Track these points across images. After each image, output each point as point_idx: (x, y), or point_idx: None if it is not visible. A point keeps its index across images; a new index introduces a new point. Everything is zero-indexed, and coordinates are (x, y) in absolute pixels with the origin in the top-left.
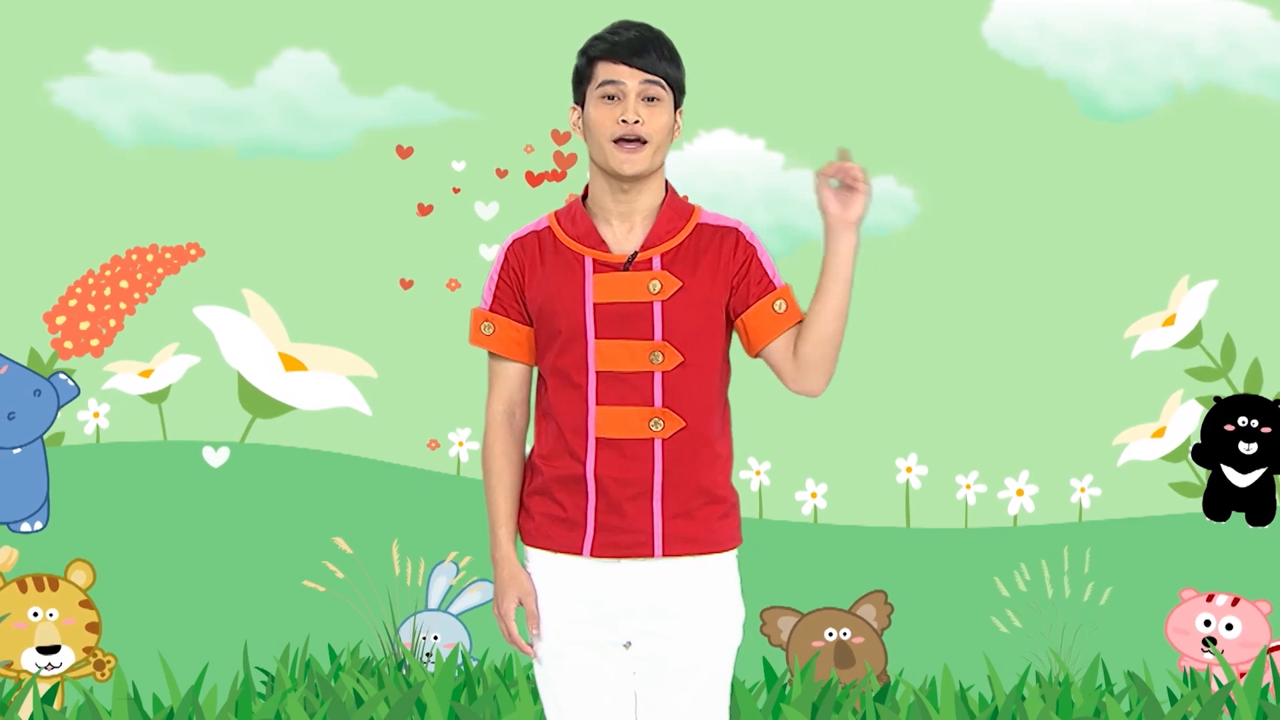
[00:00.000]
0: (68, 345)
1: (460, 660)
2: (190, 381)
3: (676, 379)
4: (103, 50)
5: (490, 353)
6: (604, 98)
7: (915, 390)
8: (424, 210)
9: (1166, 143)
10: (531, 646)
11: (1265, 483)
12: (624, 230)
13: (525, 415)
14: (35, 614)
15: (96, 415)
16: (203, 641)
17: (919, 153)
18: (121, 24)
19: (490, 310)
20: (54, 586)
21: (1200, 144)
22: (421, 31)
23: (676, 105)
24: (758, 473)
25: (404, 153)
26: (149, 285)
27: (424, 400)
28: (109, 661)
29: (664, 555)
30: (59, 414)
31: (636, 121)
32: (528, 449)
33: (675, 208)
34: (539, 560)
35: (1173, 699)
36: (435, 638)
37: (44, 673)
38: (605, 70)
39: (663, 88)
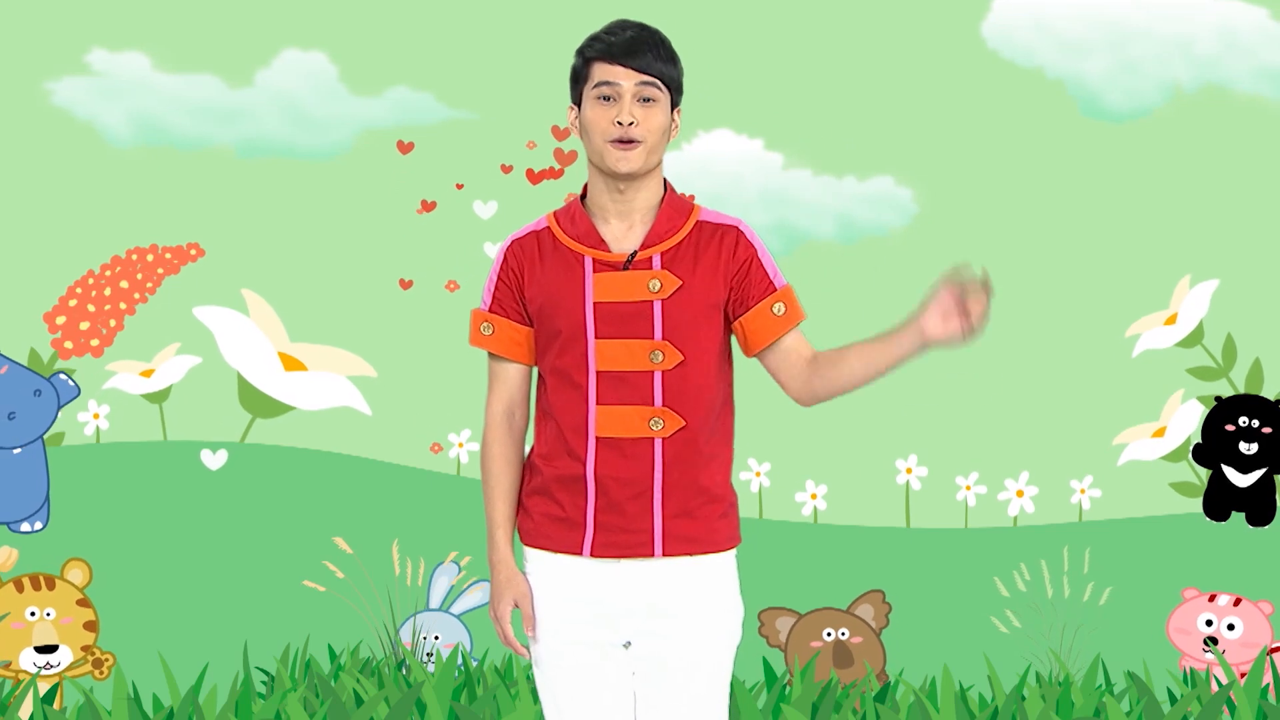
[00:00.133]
0: (68, 345)
1: (460, 660)
2: (191, 381)
3: (677, 378)
4: (102, 50)
5: (490, 353)
6: (600, 98)
7: (915, 391)
8: (427, 206)
9: (1166, 143)
10: (527, 649)
11: (1265, 483)
12: (623, 229)
13: (525, 416)
14: (32, 614)
15: (96, 416)
16: (203, 641)
17: (918, 153)
18: (120, 24)
19: (490, 311)
20: (51, 586)
21: (1199, 144)
22: (420, 32)
23: (674, 104)
24: (758, 474)
25: (405, 148)
26: (149, 285)
27: (424, 400)
28: (107, 660)
29: (664, 555)
30: (59, 414)
31: (632, 123)
32: (527, 449)
33: (675, 206)
34: (538, 560)
35: (1173, 699)
36: (436, 638)
37: (43, 672)
38: (601, 71)
39: (658, 88)
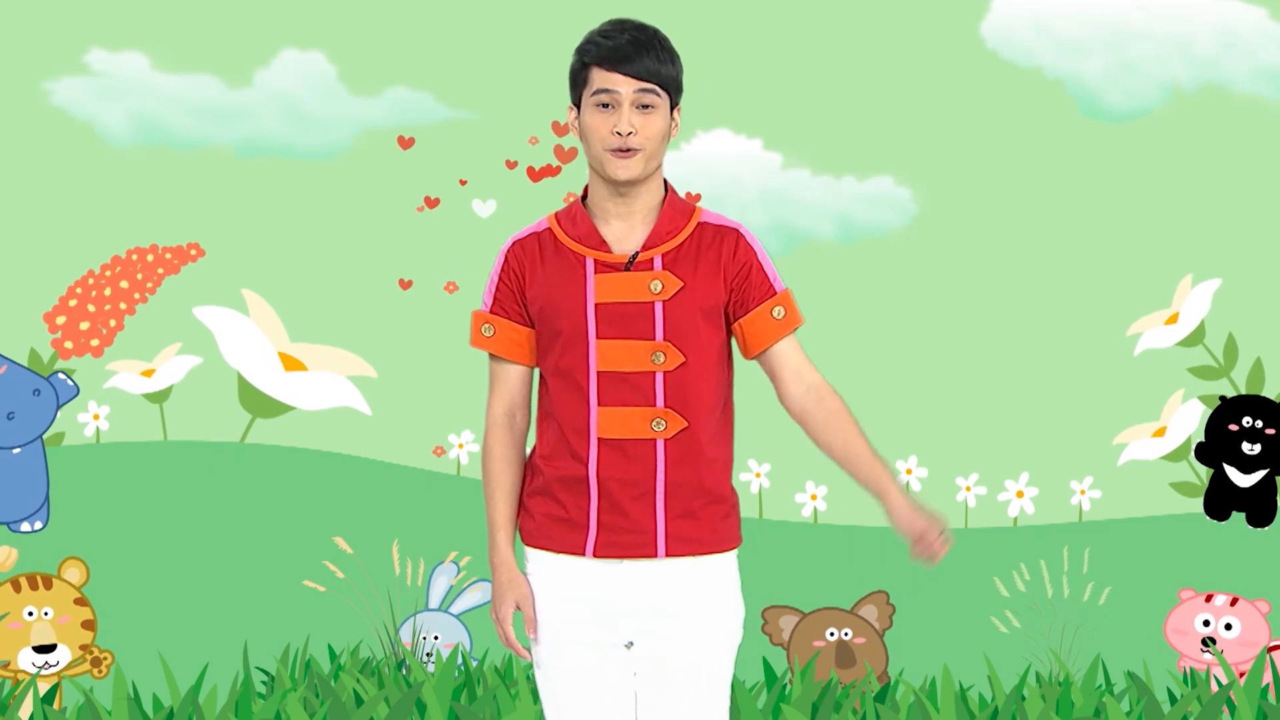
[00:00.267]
0: (68, 345)
1: (460, 660)
2: (191, 382)
3: (678, 379)
4: (101, 50)
5: (491, 355)
6: (599, 105)
7: (915, 392)
8: (431, 203)
9: (1165, 143)
10: (528, 651)
11: (1267, 484)
12: (624, 230)
13: (526, 417)
14: (30, 613)
15: (96, 417)
16: (203, 641)
17: (917, 153)
18: (119, 24)
19: (491, 312)
20: (48, 585)
21: (1199, 144)
22: (419, 31)
23: (674, 104)
24: (758, 474)
25: (405, 143)
26: (149, 285)
27: (424, 401)
28: (106, 658)
29: (667, 555)
30: (59, 414)
31: (630, 133)
32: (528, 450)
33: (676, 207)
34: (540, 561)
35: (1173, 699)
36: (436, 638)
37: (42, 672)
38: (599, 78)
39: (657, 94)
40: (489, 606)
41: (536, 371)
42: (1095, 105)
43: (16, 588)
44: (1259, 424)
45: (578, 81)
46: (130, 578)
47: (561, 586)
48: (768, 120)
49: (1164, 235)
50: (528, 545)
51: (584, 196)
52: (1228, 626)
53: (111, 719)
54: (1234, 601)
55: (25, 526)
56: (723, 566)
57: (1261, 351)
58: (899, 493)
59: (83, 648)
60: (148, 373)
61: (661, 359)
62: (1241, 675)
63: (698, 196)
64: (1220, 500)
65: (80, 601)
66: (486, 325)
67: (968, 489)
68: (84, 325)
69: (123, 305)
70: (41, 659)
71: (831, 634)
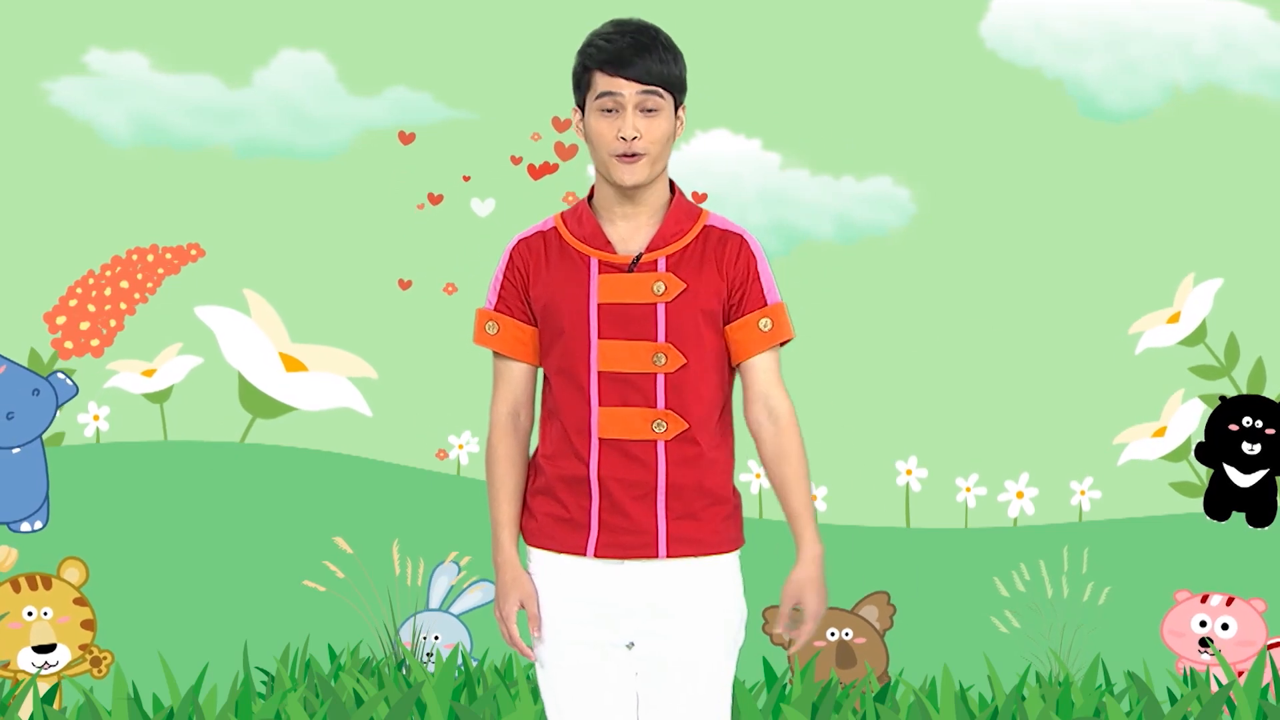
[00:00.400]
0: (68, 345)
1: (460, 660)
2: (191, 382)
3: (679, 381)
4: (100, 50)
5: (495, 353)
6: (602, 110)
7: (915, 392)
8: (434, 199)
9: (1164, 143)
10: (532, 649)
11: (1267, 484)
12: (630, 230)
13: (530, 416)
14: (30, 613)
15: (96, 418)
16: (203, 641)
17: (916, 153)
18: (119, 24)
19: (495, 310)
20: (47, 585)
21: (1199, 144)
22: (418, 31)
23: (679, 103)
24: (758, 475)
25: (406, 139)
26: (149, 285)
27: (425, 401)
28: (105, 658)
29: (668, 556)
30: (59, 414)
31: (635, 137)
32: (532, 449)
33: (682, 209)
34: (541, 560)
35: (1173, 699)
36: (436, 638)
37: (42, 672)
38: (602, 81)
39: (660, 95)
40: (491, 606)
41: (540, 371)
42: (1095, 105)
43: (16, 588)
44: (1259, 424)
45: (580, 85)
46: (130, 578)
47: (563, 586)
48: (767, 120)
49: (1163, 235)
50: (529, 545)
51: (590, 196)
52: (1224, 626)
53: (111, 719)
54: (1230, 601)
55: (25, 526)
56: (724, 568)
57: (1263, 351)
58: (808, 558)
59: (82, 647)
60: (148, 372)
61: (663, 360)
62: (1240, 675)
63: (704, 196)
64: (1220, 500)
65: (80, 601)
66: (490, 323)
67: (968, 489)
68: (84, 325)
69: (123, 305)
70: (41, 659)
71: (832, 634)
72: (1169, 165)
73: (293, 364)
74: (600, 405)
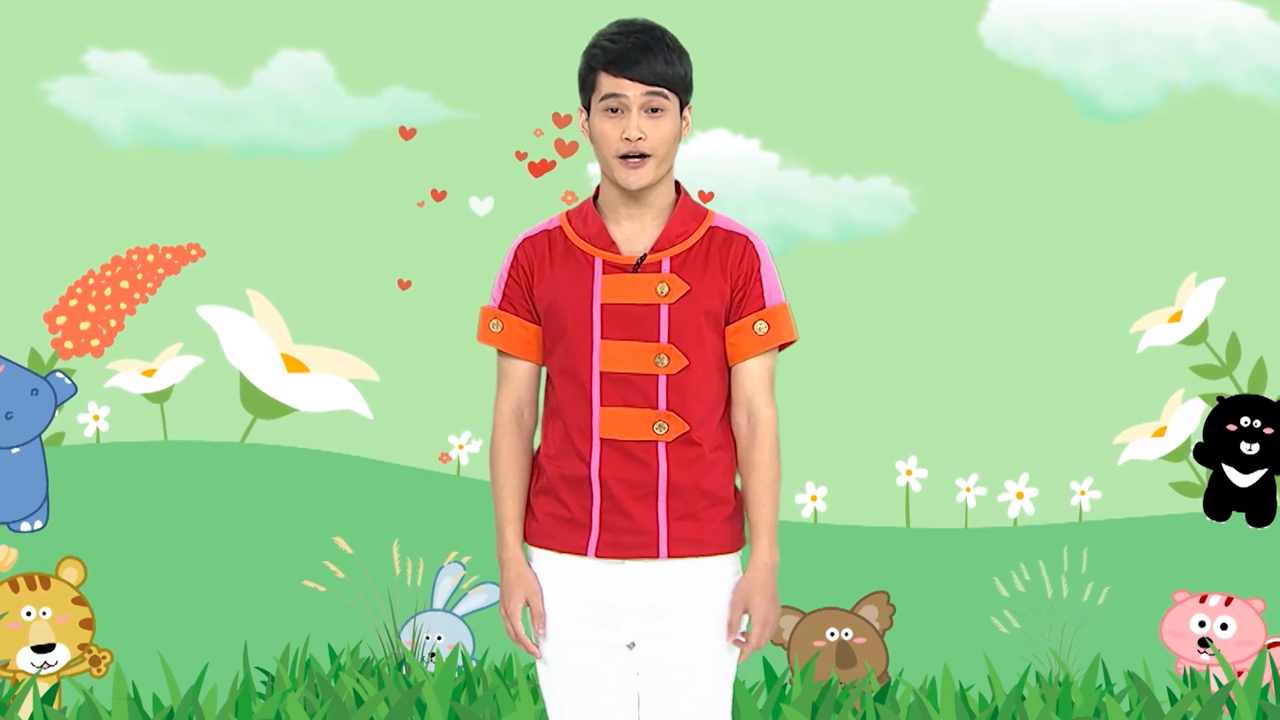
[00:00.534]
0: (68, 345)
1: (460, 660)
2: (192, 382)
3: (681, 382)
4: (99, 50)
5: (499, 351)
6: (607, 110)
7: (914, 392)
8: (437, 196)
9: (1164, 143)
10: (537, 647)
11: (1266, 483)
12: (635, 231)
13: (533, 415)
14: (29, 613)
15: (96, 418)
16: (203, 641)
17: (915, 153)
18: (118, 24)
19: (499, 308)
20: (46, 585)
21: (1198, 144)
22: (418, 31)
23: (685, 104)
24: None
25: (406, 134)
26: (149, 285)
27: (425, 401)
28: (104, 657)
29: (669, 557)
30: (59, 414)
31: (640, 138)
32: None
33: (688, 209)
34: (543, 560)
35: (1173, 699)
36: (439, 638)
37: (41, 672)
38: (607, 83)
39: (665, 96)
40: (493, 608)
41: (544, 370)
42: (1094, 105)
43: (14, 588)
44: (1257, 424)
45: (586, 86)
46: (130, 578)
47: (564, 586)
48: (765, 120)
49: (1162, 236)
50: (531, 545)
51: (595, 196)
52: (1223, 626)
53: (111, 719)
54: (1228, 601)
55: (25, 526)
56: (725, 568)
57: (1264, 351)
58: (756, 564)
59: (81, 647)
60: (149, 372)
61: (664, 362)
62: (1240, 674)
63: (710, 195)
64: (1220, 500)
65: (78, 601)
66: (495, 321)
67: (968, 489)
68: (84, 325)
69: (123, 305)
70: (40, 659)
71: (832, 634)
72: (1168, 165)
73: (294, 365)
74: (602, 405)
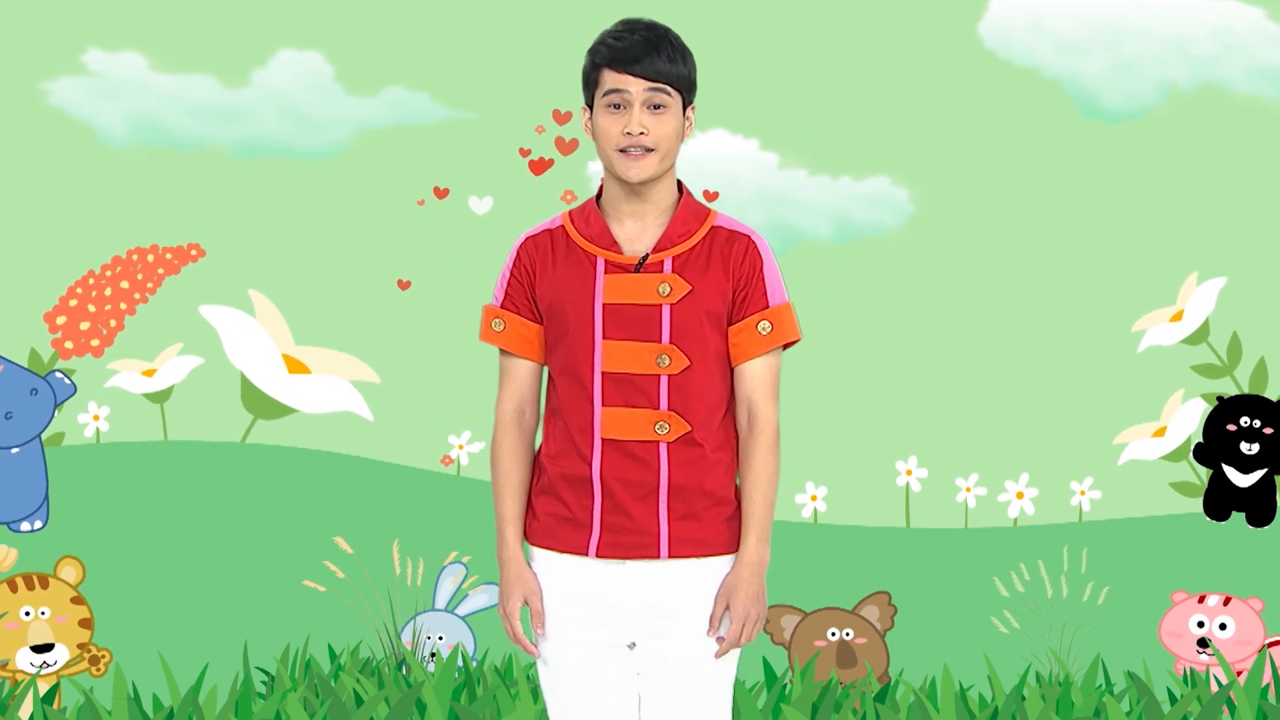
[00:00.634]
0: (68, 345)
1: (460, 660)
2: (192, 382)
3: (682, 383)
4: (98, 50)
5: (501, 350)
6: (610, 106)
7: (914, 392)
8: (440, 193)
9: (1163, 143)
10: (535, 646)
11: (1266, 483)
12: (637, 230)
13: (535, 414)
14: (27, 613)
15: (96, 418)
16: (203, 641)
17: (914, 153)
18: (117, 24)
19: (501, 307)
20: (45, 585)
21: (1197, 144)
22: (417, 31)
23: (688, 103)
24: None
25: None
26: (149, 285)
27: (426, 401)
28: (104, 656)
29: (670, 557)
30: (59, 414)
31: (642, 133)
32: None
33: (690, 209)
34: (543, 560)
35: (1173, 699)
36: (440, 638)
37: (41, 671)
38: (610, 79)
39: (668, 93)
40: (493, 609)
41: (545, 369)
42: (1093, 105)
43: (13, 588)
44: (1257, 423)
45: (589, 83)
46: (130, 578)
47: (565, 586)
48: (764, 120)
49: (1161, 236)
50: (532, 544)
51: (598, 196)
52: (1222, 626)
53: (111, 719)
54: (1227, 601)
55: (25, 526)
56: (725, 569)
57: (1265, 351)
58: (743, 561)
59: (80, 646)
60: (149, 372)
61: (666, 362)
62: (1240, 674)
63: (715, 195)
64: (1220, 500)
65: (77, 600)
66: (497, 320)
67: (968, 489)
68: (84, 325)
69: (123, 305)
70: (40, 658)
71: (833, 634)
72: (1168, 165)
73: (296, 366)
74: (603, 405)
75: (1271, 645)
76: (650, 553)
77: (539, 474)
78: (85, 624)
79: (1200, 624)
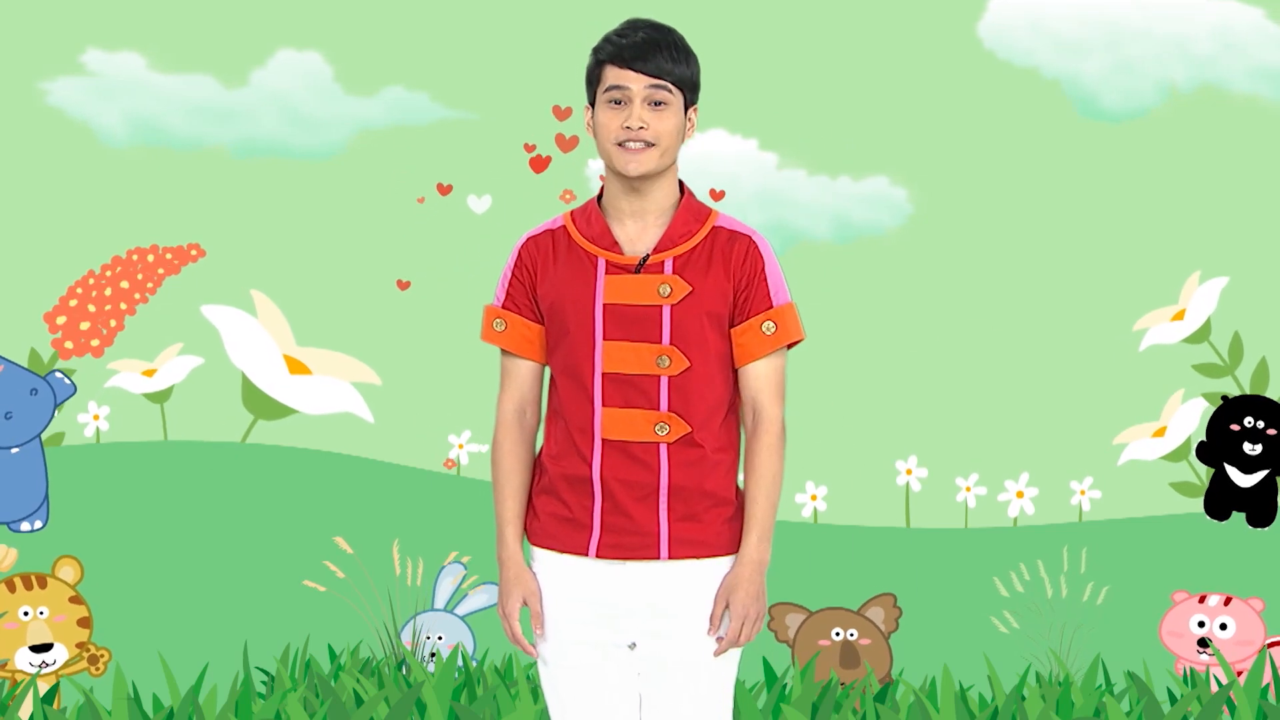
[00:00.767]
0: (68, 345)
1: (460, 660)
2: (192, 382)
3: (683, 383)
4: (97, 50)
5: (502, 350)
6: (611, 102)
7: (914, 392)
8: (443, 190)
9: (1162, 143)
10: (534, 647)
11: (1268, 484)
12: (638, 230)
13: (536, 414)
14: (26, 613)
15: (96, 418)
16: (203, 641)
17: (913, 153)
18: (116, 24)
19: (503, 307)
20: (43, 584)
21: (1196, 144)
22: (416, 31)
23: (690, 103)
24: None
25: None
26: (149, 285)
27: (426, 401)
28: (103, 655)
29: (670, 558)
30: (59, 414)
31: (641, 127)
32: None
33: (691, 210)
34: (544, 560)
35: (1173, 699)
36: (440, 638)
37: (40, 671)
38: (612, 75)
39: (669, 91)
40: (493, 609)
41: (548, 369)
42: (1092, 105)
43: (11, 588)
44: (1260, 424)
45: (592, 80)
46: (131, 578)
47: (565, 586)
48: (763, 120)
49: (1160, 236)
50: (533, 544)
51: (600, 196)
52: (1222, 626)
53: (111, 719)
54: (1227, 601)
55: (25, 526)
56: (726, 570)
57: (1267, 351)
58: (743, 560)
59: (79, 645)
60: (149, 372)
61: (666, 363)
62: (1240, 674)
63: (721, 194)
64: (1221, 500)
65: (75, 599)
66: (498, 320)
67: (968, 489)
68: (84, 325)
69: (123, 305)
70: (39, 658)
71: (837, 634)
72: (1167, 165)
73: (297, 366)
74: (603, 406)
75: (1272, 646)
76: (650, 553)
77: (540, 474)
78: (84, 623)
79: (1201, 624)
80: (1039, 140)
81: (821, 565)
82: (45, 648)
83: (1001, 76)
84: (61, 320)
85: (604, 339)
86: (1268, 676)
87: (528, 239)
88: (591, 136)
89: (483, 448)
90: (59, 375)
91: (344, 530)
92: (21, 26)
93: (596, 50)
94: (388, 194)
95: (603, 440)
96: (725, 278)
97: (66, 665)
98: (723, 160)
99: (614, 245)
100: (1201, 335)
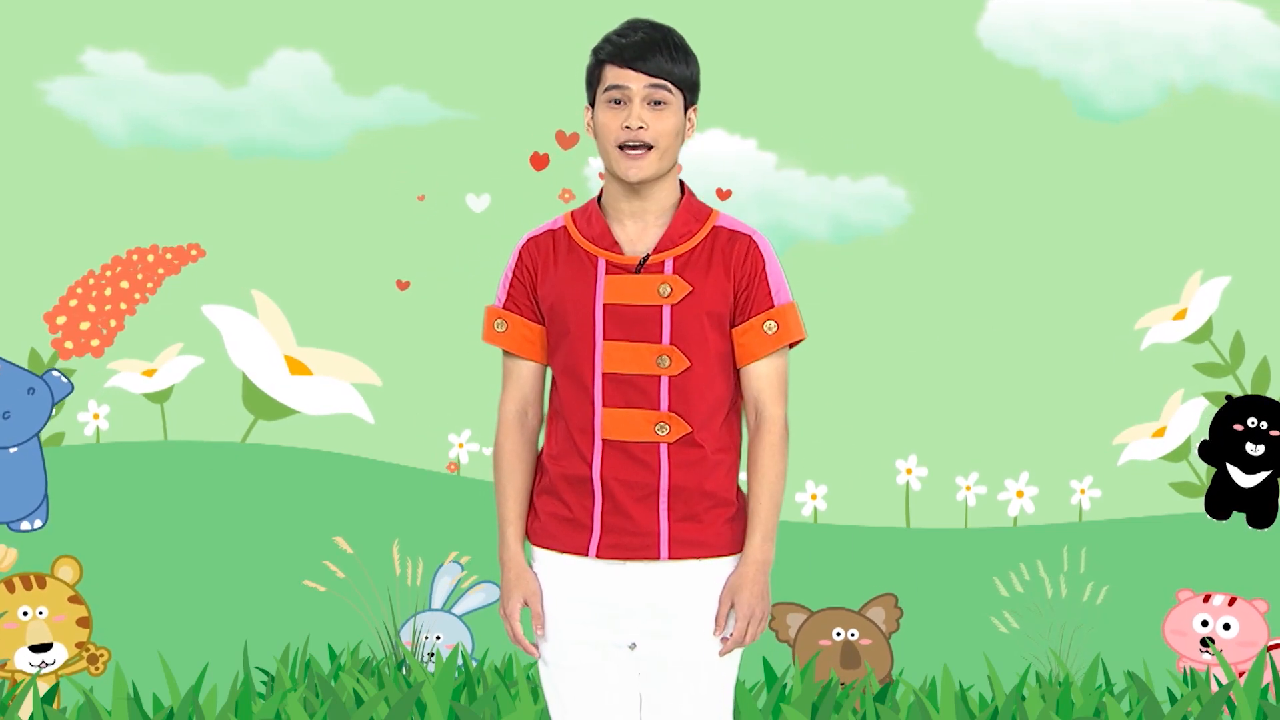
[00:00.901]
0: (68, 345)
1: (460, 660)
2: (192, 382)
3: (683, 384)
4: (96, 50)
5: (503, 351)
6: (610, 102)
7: (914, 392)
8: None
9: (1161, 143)
10: (535, 647)
11: (1269, 485)
12: (638, 230)
13: (538, 415)
14: (25, 613)
15: (96, 417)
16: (203, 641)
17: (912, 153)
18: (115, 24)
19: (504, 308)
20: (42, 584)
21: (1195, 144)
22: (415, 31)
23: (690, 103)
24: None
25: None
26: (149, 285)
27: (426, 401)
28: (102, 655)
29: (670, 558)
30: (58, 413)
31: (641, 128)
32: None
33: (691, 210)
34: (545, 560)
35: (1173, 699)
36: (438, 638)
37: (40, 671)
38: (612, 74)
39: (669, 90)
40: (492, 608)
41: (549, 370)
42: (1092, 105)
43: (10, 588)
44: (1264, 425)
45: (592, 80)
46: (130, 578)
47: (565, 586)
48: (762, 120)
49: (1159, 236)
50: (533, 544)
51: (600, 196)
52: (1226, 626)
53: (111, 719)
54: (1232, 601)
55: (25, 525)
56: (726, 570)
57: (1268, 350)
58: (747, 560)
59: (79, 645)
60: (149, 372)
61: (666, 363)
62: (1241, 675)
63: (728, 194)
64: (1221, 500)
65: (74, 599)
66: (499, 321)
67: (968, 489)
68: (84, 325)
69: (123, 305)
70: (38, 658)
71: (838, 634)
72: (1166, 165)
73: (298, 367)
74: (604, 406)
75: (1273, 648)
76: (650, 554)
77: (541, 474)
78: (83, 623)
79: (1204, 623)
80: (1038, 140)
81: (822, 565)
82: (45, 647)
83: (1001, 76)
84: (61, 320)
85: (604, 339)
86: (1267, 677)
87: (528, 239)
88: (591, 137)
89: (483, 448)
90: (56, 374)
91: (344, 530)
92: (21, 26)
93: (596, 50)
94: (387, 194)
95: (603, 440)
96: (726, 277)
97: (66, 665)
98: (721, 160)
99: (614, 245)
100: (1203, 335)
